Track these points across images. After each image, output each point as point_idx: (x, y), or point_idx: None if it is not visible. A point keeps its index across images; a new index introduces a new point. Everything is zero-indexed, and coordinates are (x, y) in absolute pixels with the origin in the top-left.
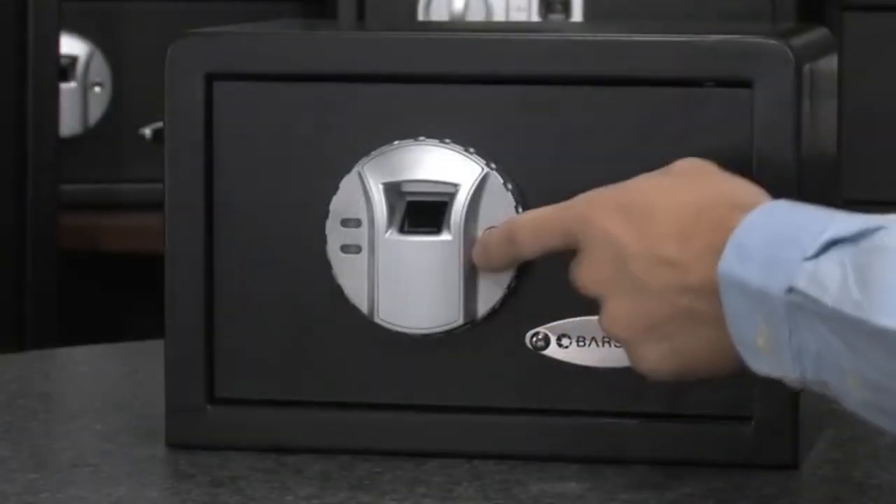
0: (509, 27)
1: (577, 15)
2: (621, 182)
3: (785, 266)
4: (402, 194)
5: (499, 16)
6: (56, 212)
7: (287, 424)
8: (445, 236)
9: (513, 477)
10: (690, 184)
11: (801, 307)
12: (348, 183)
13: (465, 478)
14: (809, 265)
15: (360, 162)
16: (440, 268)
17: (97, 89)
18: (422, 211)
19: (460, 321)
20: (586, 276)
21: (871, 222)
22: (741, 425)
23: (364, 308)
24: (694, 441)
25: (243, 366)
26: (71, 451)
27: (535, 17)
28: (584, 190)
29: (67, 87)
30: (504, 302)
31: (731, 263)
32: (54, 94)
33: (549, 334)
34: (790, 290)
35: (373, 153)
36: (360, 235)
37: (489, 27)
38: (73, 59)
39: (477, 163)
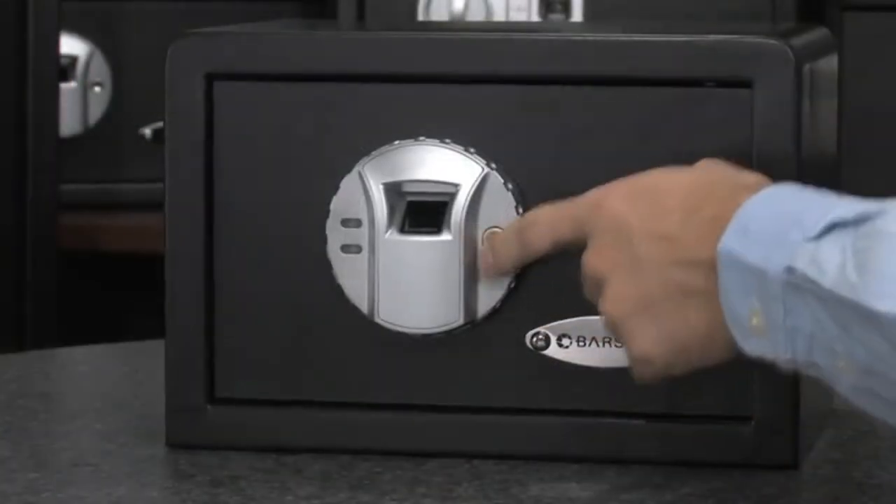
0: (509, 27)
1: (577, 15)
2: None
3: (786, 246)
4: (403, 194)
5: (499, 16)
6: (56, 212)
7: (287, 424)
8: (446, 236)
9: (513, 477)
10: (699, 169)
11: (798, 287)
12: (348, 183)
13: (465, 478)
14: (810, 246)
15: (361, 162)
16: (440, 268)
17: (97, 89)
18: (422, 211)
19: (460, 321)
20: (593, 260)
21: (872, 207)
22: (741, 425)
23: (364, 308)
24: (694, 441)
25: (243, 366)
26: (71, 451)
27: (535, 17)
28: (583, 190)
29: (67, 87)
30: (504, 302)
31: (732, 240)
32: (54, 94)
33: (550, 334)
34: (789, 269)
35: (373, 153)
36: (360, 235)
37: (489, 27)
38: (73, 59)
39: (477, 163)
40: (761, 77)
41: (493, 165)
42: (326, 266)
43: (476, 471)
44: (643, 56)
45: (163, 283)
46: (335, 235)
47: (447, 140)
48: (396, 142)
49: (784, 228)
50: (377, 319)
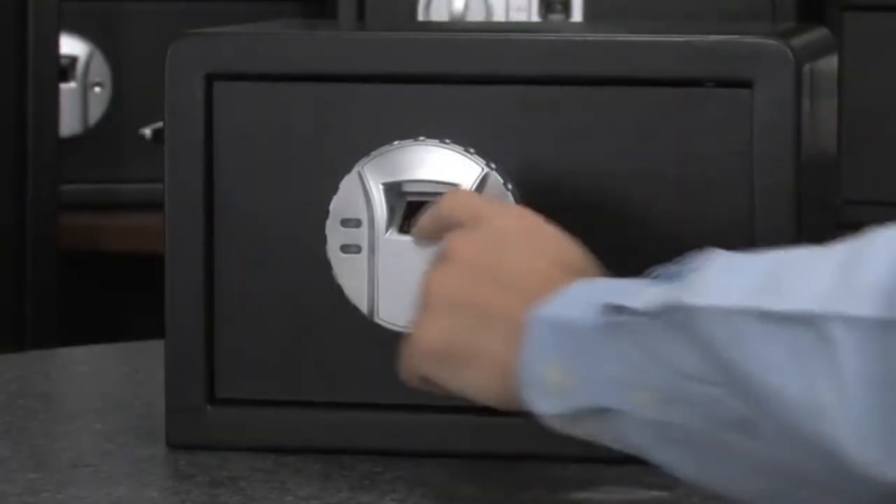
0: (509, 27)
1: (577, 15)
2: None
3: (601, 301)
4: (402, 194)
5: (499, 16)
6: (56, 212)
7: (287, 424)
8: None
9: (513, 477)
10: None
11: (616, 326)
12: (348, 183)
13: (466, 478)
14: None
15: (360, 162)
16: None
17: (97, 89)
18: (422, 211)
19: None
20: (457, 233)
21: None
22: None
23: (364, 308)
24: None
25: (243, 366)
26: (71, 451)
27: (535, 17)
28: (583, 190)
29: (67, 87)
30: None
31: (549, 307)
32: (54, 94)
33: None
34: (605, 309)
35: (373, 153)
36: (360, 235)
37: (489, 27)
38: (73, 59)
39: (477, 163)
40: (761, 77)
41: (493, 165)
42: (326, 266)
43: (476, 471)
44: (643, 56)
45: (163, 283)
46: (335, 235)
47: (447, 140)
48: (396, 142)
49: (601, 297)
50: (377, 319)
